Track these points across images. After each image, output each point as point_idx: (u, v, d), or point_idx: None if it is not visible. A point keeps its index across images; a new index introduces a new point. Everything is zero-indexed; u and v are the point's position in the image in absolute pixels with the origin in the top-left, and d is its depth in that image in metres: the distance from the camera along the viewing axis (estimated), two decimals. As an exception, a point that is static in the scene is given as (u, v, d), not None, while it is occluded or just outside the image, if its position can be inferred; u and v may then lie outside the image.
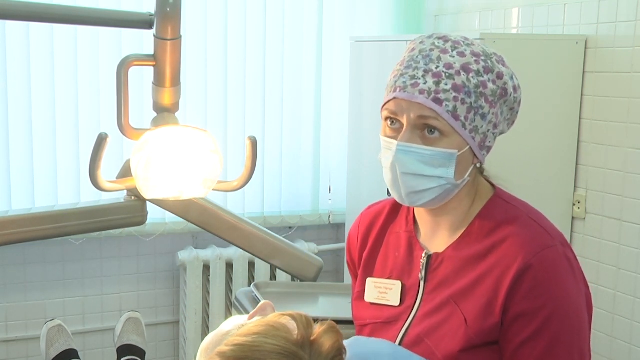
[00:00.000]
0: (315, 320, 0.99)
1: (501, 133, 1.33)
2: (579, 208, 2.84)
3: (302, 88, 3.55)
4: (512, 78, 1.29)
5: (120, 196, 1.76)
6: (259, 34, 3.44)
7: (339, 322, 1.03)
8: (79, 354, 2.25)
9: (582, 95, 2.81)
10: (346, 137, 3.41)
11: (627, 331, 2.66)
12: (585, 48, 2.77)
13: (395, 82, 1.26)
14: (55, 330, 2.22)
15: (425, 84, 1.22)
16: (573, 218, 2.86)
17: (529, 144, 2.74)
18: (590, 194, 2.80)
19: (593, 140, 2.79)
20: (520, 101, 1.32)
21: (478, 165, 1.30)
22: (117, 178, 1.67)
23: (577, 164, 2.85)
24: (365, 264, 1.45)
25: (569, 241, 2.88)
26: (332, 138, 3.64)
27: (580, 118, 2.83)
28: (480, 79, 1.24)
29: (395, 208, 1.45)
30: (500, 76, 1.26)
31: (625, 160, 2.65)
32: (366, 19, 3.59)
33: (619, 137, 2.67)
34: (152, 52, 1.58)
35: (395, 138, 1.25)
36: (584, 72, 2.80)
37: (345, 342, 1.16)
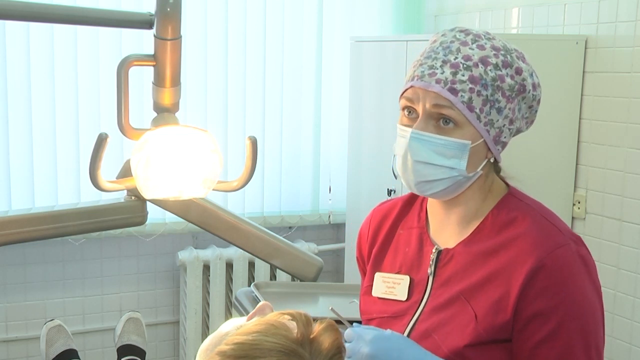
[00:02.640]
0: (315, 320, 0.99)
1: (518, 131, 1.34)
2: (579, 208, 2.84)
3: (302, 88, 3.55)
4: (531, 75, 1.30)
5: (120, 196, 1.76)
6: (259, 34, 3.44)
7: (338, 322, 1.03)
8: (79, 354, 2.25)
9: (582, 95, 2.81)
10: (346, 137, 3.41)
11: (627, 331, 2.66)
12: (585, 48, 2.77)
13: (414, 71, 1.28)
14: (55, 330, 2.23)
15: (442, 73, 1.24)
16: (573, 218, 2.86)
17: (529, 144, 2.74)
18: (590, 194, 2.80)
19: (593, 140, 2.79)
20: (539, 100, 1.32)
21: (492, 160, 1.30)
22: (117, 178, 1.67)
23: (577, 164, 2.85)
24: (375, 259, 1.45)
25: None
26: (332, 138, 3.64)
27: (580, 118, 2.83)
28: (498, 72, 1.25)
29: (408, 205, 1.45)
30: (519, 72, 1.27)
31: (625, 160, 2.65)
32: (366, 19, 3.59)
33: (619, 137, 2.67)
34: (152, 52, 1.58)
35: (410, 127, 1.27)
36: (584, 72, 2.80)
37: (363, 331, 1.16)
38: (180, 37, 1.57)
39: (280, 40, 3.48)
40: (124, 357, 2.22)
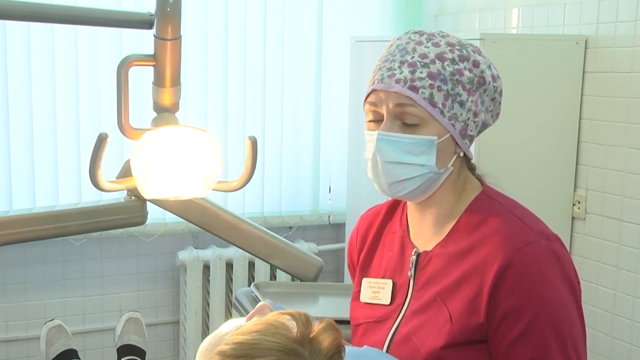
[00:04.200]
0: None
1: (485, 125, 1.34)
2: (579, 208, 2.84)
3: (302, 88, 3.55)
4: (489, 67, 1.31)
5: (120, 196, 1.76)
6: (259, 34, 3.44)
7: (338, 322, 1.03)
8: (79, 354, 2.25)
9: (582, 95, 2.81)
10: (346, 137, 3.41)
11: (627, 331, 2.66)
12: (585, 48, 2.78)
13: (374, 75, 1.31)
14: (55, 330, 2.22)
15: (401, 73, 1.26)
16: (573, 218, 2.86)
17: (529, 144, 2.74)
18: (590, 194, 2.80)
19: (593, 140, 2.79)
20: (501, 91, 1.34)
21: (461, 154, 1.31)
22: (117, 178, 1.67)
23: (577, 164, 2.85)
24: (362, 264, 1.46)
25: (568, 241, 2.86)
26: (332, 138, 3.64)
27: (580, 118, 2.83)
28: (456, 66, 1.26)
29: (391, 209, 1.47)
30: (476, 64, 1.28)
31: (625, 160, 2.65)
32: (366, 19, 3.59)
33: (619, 137, 2.67)
34: (152, 52, 1.58)
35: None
36: (584, 72, 2.80)
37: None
38: (180, 37, 1.57)
39: (280, 40, 3.48)
40: (124, 357, 2.22)
